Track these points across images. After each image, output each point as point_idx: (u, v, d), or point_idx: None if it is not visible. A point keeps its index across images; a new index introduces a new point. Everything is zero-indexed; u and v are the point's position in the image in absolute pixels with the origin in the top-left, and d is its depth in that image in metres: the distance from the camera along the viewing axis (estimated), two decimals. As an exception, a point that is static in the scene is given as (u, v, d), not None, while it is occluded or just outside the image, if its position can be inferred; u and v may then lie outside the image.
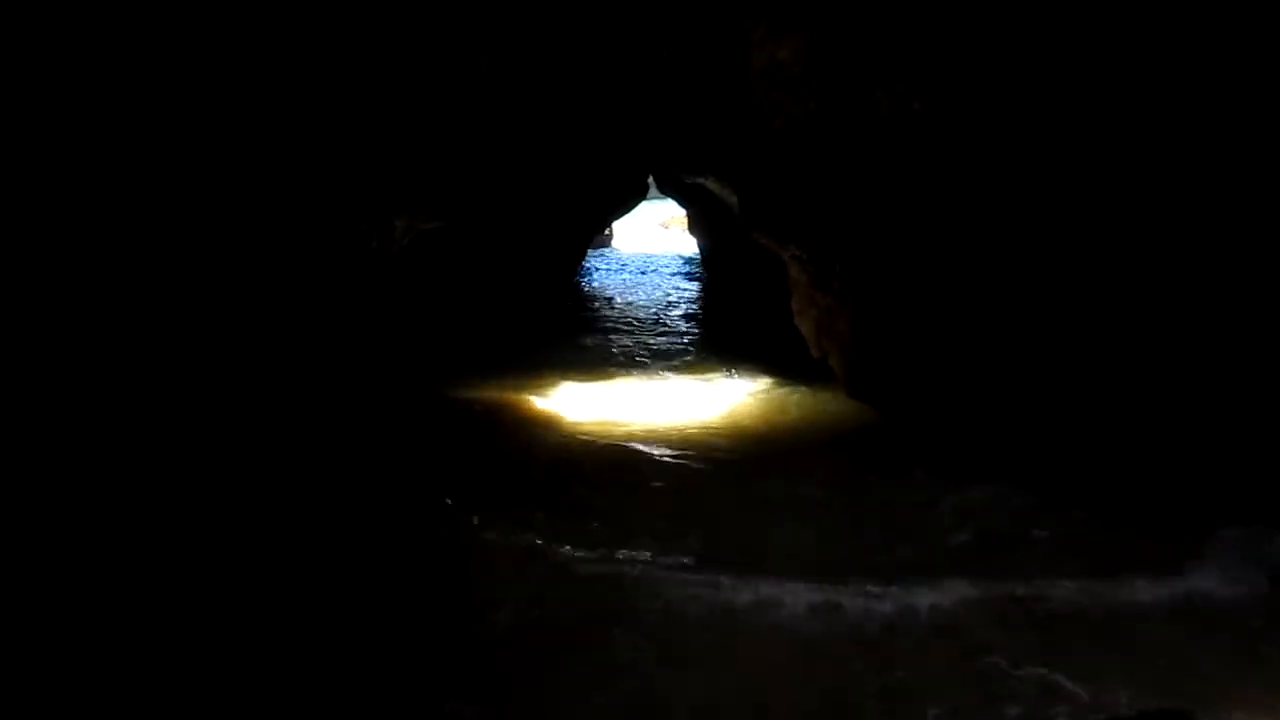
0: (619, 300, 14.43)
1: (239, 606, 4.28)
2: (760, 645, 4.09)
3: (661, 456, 6.52)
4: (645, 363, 9.83)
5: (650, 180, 14.57)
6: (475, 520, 5.31)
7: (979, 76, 6.04)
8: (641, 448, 6.68)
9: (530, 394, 8.21)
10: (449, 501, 5.56)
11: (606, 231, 19.91)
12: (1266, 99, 5.18)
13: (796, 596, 4.36)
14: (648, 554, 4.88)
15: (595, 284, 16.05)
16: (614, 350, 10.51)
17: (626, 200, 14.33)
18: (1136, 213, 5.73)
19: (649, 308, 13.65)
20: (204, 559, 4.67)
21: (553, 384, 8.57)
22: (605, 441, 6.85)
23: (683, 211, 16.91)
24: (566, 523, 5.26)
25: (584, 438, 6.95)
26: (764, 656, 4.01)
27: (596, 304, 14.02)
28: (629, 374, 9.29)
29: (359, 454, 6.32)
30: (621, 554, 4.88)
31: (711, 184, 8.84)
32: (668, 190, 14.66)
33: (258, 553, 4.79)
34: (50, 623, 4.01)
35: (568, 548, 4.96)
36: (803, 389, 8.26)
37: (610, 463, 6.43)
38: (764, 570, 4.62)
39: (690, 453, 6.57)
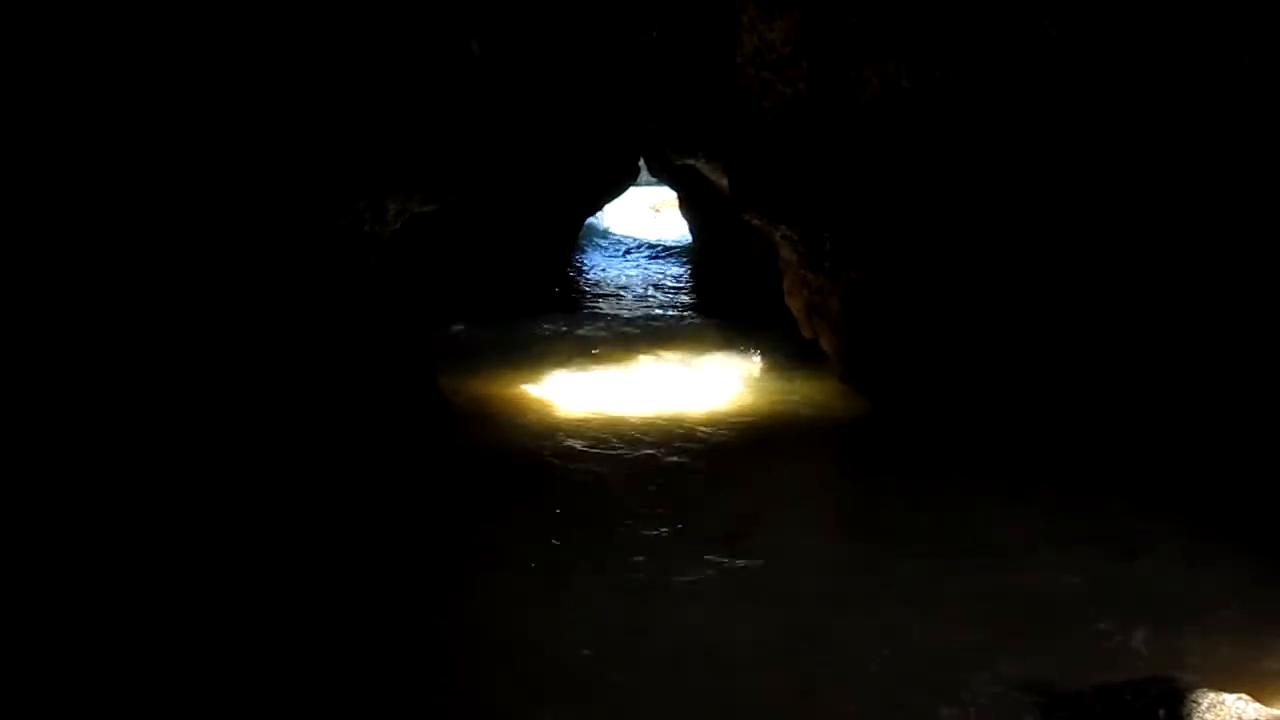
0: (609, 284, 14.42)
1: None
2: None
3: (645, 456, 6.48)
4: (636, 349, 9.78)
5: (641, 164, 14.59)
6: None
7: (968, 55, 6.08)
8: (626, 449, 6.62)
9: (516, 382, 8.23)
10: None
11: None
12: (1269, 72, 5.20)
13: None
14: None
15: (586, 266, 16.03)
16: (604, 335, 10.47)
17: (618, 182, 14.34)
18: (1129, 187, 5.78)
19: (639, 290, 13.64)
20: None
21: (541, 372, 8.56)
22: (588, 444, 6.72)
23: (674, 195, 16.91)
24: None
25: (569, 437, 6.87)
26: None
27: (587, 288, 13.99)
28: (619, 361, 9.26)
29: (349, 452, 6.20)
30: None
31: (702, 165, 8.88)
32: (659, 173, 14.66)
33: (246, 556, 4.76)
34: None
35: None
36: (793, 375, 8.27)
37: (593, 475, 6.25)
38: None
39: (676, 450, 6.55)
